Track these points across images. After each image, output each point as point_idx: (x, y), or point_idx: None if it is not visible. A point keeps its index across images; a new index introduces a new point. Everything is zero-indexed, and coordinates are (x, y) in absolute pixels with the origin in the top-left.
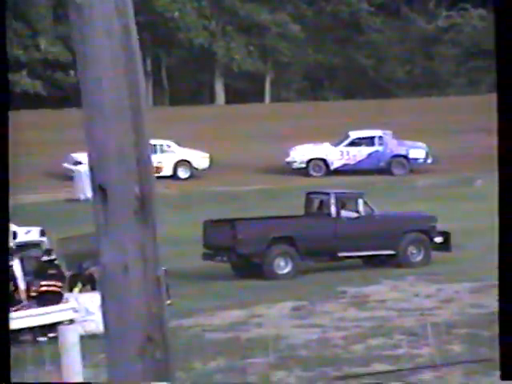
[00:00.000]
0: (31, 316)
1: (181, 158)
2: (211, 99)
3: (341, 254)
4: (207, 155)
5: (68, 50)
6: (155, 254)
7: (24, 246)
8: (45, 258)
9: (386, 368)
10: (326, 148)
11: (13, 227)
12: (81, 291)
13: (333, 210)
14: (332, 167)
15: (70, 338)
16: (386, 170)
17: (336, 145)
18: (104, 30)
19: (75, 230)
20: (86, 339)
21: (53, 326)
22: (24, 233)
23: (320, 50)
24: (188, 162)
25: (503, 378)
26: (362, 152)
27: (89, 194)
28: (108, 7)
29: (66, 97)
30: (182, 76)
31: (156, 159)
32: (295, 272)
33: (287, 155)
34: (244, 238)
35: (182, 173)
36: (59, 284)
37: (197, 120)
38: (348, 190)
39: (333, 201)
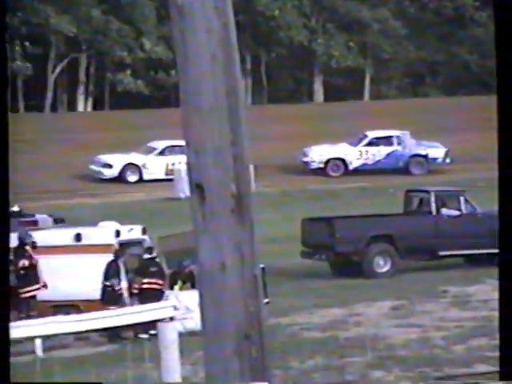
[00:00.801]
0: (132, 313)
1: None
2: (310, 97)
3: (441, 253)
4: None
5: (170, 50)
6: (252, 252)
7: (126, 244)
8: (146, 256)
9: (487, 369)
10: (345, 148)
11: (116, 225)
12: (181, 289)
13: (433, 207)
14: (351, 167)
15: (169, 335)
16: (404, 170)
17: (354, 145)
18: (204, 29)
19: (176, 229)
20: (186, 336)
21: (154, 323)
22: (126, 231)
23: (421, 46)
24: None
25: (503, 377)
26: (381, 152)
27: (189, 192)
28: (208, 7)
29: (168, 96)
30: (280, 74)
31: (184, 160)
32: (394, 271)
33: (304, 155)
34: (343, 236)
35: None
36: (160, 282)
37: (295, 118)
38: (449, 188)
39: (433, 199)
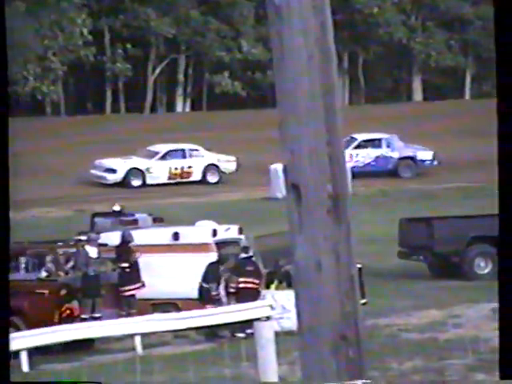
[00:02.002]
0: (229, 312)
1: (209, 163)
2: (408, 96)
3: None
4: (234, 158)
5: (268, 50)
6: (349, 252)
7: (223, 244)
8: (243, 256)
9: None
10: None
11: (213, 225)
12: (277, 288)
13: None
14: None
15: (266, 334)
16: (393, 173)
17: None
18: (300, 28)
19: (272, 228)
20: (282, 336)
21: (250, 323)
22: (223, 230)
23: None
24: (216, 166)
25: (503, 377)
26: (371, 154)
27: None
28: (305, 6)
29: (264, 97)
30: (378, 73)
31: (186, 164)
32: (495, 273)
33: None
34: (442, 236)
35: (211, 177)
36: (256, 281)
37: (393, 118)
38: None
39: None
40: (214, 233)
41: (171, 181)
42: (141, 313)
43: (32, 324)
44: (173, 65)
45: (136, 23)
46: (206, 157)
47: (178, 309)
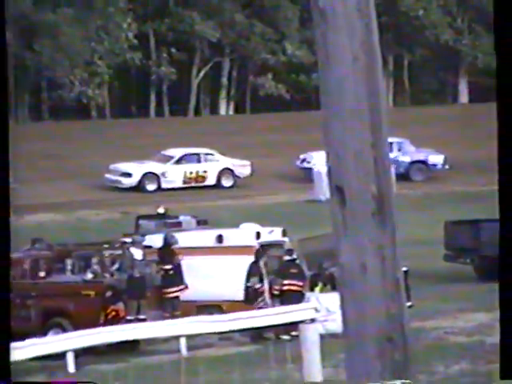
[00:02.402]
0: (273, 314)
1: (224, 167)
2: (454, 99)
3: None
4: (248, 163)
5: (312, 53)
6: (394, 254)
7: (267, 246)
8: (287, 258)
9: None
10: None
11: (256, 227)
12: (322, 291)
13: None
14: None
15: (311, 336)
16: (405, 176)
17: None
18: (346, 31)
19: (316, 231)
20: (327, 338)
21: (295, 325)
22: (267, 233)
23: None
24: (231, 170)
25: (503, 377)
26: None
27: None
28: (350, 8)
29: (308, 99)
30: (423, 75)
31: (201, 168)
32: None
33: (303, 161)
34: (488, 239)
35: (226, 181)
36: (300, 283)
37: (439, 120)
38: None
39: None
40: (258, 235)
41: (186, 185)
42: (185, 315)
43: (78, 325)
44: (217, 68)
45: (181, 27)
46: (221, 161)
47: (222, 311)
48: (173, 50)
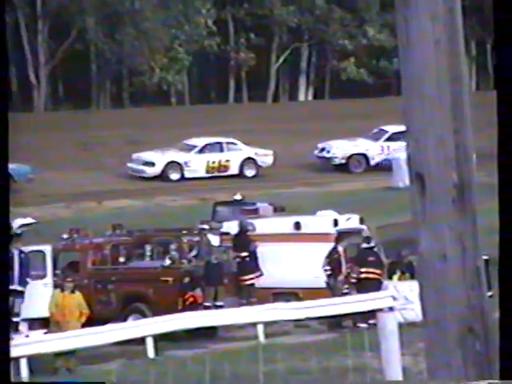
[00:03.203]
0: (351, 302)
1: (247, 156)
2: None
3: None
4: (271, 152)
5: (393, 37)
6: (475, 242)
7: (344, 234)
8: (364, 246)
9: None
10: (366, 143)
11: (334, 215)
12: (400, 279)
13: None
14: (372, 162)
15: (389, 325)
16: None
17: (374, 139)
18: (428, 13)
19: (394, 218)
20: (406, 327)
21: (372, 313)
22: (344, 220)
23: None
24: (253, 159)
25: (503, 377)
26: (403, 147)
27: (408, 181)
28: None
29: (388, 84)
30: None
31: (224, 157)
32: None
33: (323, 150)
34: None
35: (249, 171)
36: (378, 271)
37: None
38: None
39: None
40: (335, 223)
41: (209, 174)
42: (262, 302)
43: (157, 311)
44: (296, 53)
45: (260, 12)
46: (244, 150)
47: (298, 298)
48: (251, 36)
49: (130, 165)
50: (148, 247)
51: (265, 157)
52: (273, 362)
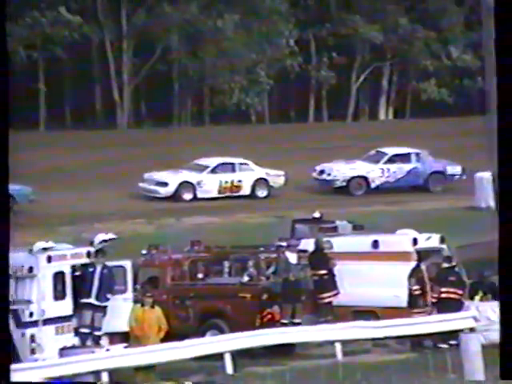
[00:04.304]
0: (431, 322)
1: (259, 177)
2: None
3: None
4: (282, 173)
5: (478, 58)
6: None
7: (424, 253)
8: (445, 265)
9: None
10: (366, 166)
11: (414, 233)
12: (482, 299)
13: None
14: (373, 185)
15: (472, 346)
16: (423, 187)
17: (374, 162)
18: None
19: (475, 238)
20: (489, 349)
21: (453, 334)
22: (424, 239)
23: None
24: (265, 180)
25: (503, 377)
26: (403, 169)
27: (491, 202)
28: None
29: (470, 104)
30: None
31: (236, 178)
32: None
33: (322, 173)
34: None
35: (260, 192)
36: (459, 292)
37: None
38: None
39: None
40: (415, 241)
41: (221, 195)
42: (341, 320)
43: (234, 327)
44: (377, 72)
45: (343, 31)
46: (256, 171)
47: (377, 317)
48: (333, 55)
49: (141, 185)
50: (226, 264)
51: (276, 177)
52: (352, 381)
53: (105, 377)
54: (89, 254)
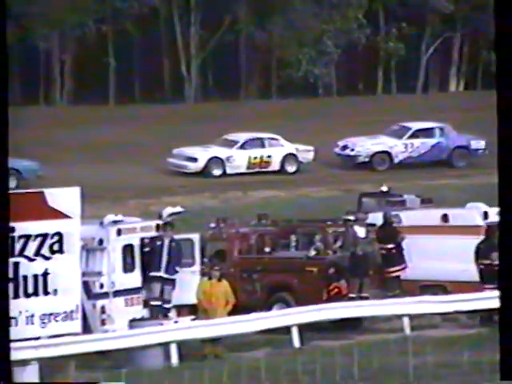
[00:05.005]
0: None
1: (288, 152)
2: None
3: None
4: (312, 148)
5: None
6: None
7: (494, 227)
8: None
9: None
10: (390, 140)
11: (484, 207)
12: None
13: None
14: (396, 160)
15: None
16: (446, 162)
17: (397, 137)
18: None
19: None
20: None
21: None
22: (495, 213)
23: None
24: (295, 155)
25: (503, 377)
26: (427, 144)
27: None
28: None
29: None
30: None
31: (265, 153)
32: None
33: (345, 148)
34: None
35: (290, 167)
36: None
37: None
38: None
39: None
40: (485, 215)
41: (250, 170)
42: (409, 294)
43: (301, 300)
44: (447, 43)
45: (413, 1)
46: (285, 146)
47: (446, 291)
48: (403, 25)
49: (171, 160)
50: (293, 237)
51: (306, 152)
52: (421, 355)
53: (173, 349)
54: (158, 227)
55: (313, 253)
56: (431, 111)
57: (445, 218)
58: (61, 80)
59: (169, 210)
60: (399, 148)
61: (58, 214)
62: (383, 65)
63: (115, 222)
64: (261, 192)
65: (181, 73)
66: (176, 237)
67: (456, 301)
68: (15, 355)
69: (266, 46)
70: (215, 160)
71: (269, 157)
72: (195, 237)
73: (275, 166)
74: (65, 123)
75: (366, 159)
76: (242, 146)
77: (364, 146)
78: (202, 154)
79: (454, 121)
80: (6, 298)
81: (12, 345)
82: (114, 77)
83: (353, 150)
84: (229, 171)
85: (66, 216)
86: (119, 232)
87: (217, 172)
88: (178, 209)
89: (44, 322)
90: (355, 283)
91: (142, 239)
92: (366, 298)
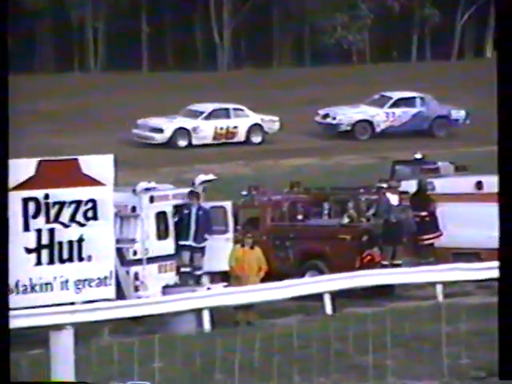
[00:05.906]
0: None
1: (254, 123)
2: None
3: None
4: (277, 118)
5: None
6: None
7: None
8: None
9: None
10: (372, 109)
11: None
12: None
13: None
14: (378, 129)
15: None
16: (427, 132)
17: (379, 106)
18: None
19: None
20: None
21: None
22: None
23: None
24: (260, 125)
25: (502, 377)
26: (408, 113)
27: None
28: None
29: None
30: None
31: (232, 124)
32: None
33: (327, 117)
34: None
35: (255, 137)
36: None
37: None
38: None
39: None
40: None
41: (216, 141)
42: (442, 261)
43: (334, 268)
44: (483, 9)
45: None
46: (251, 117)
47: (480, 259)
48: None
49: (135, 131)
50: (326, 205)
51: (271, 123)
52: (453, 323)
53: (205, 315)
54: (190, 195)
55: (346, 220)
56: (468, 77)
57: (479, 185)
58: (94, 47)
59: (201, 177)
60: (381, 117)
61: (91, 181)
62: (417, 31)
63: (148, 190)
64: (293, 160)
65: (213, 40)
66: (208, 204)
67: (489, 268)
68: (51, 319)
69: (298, 12)
70: (181, 131)
71: (235, 127)
72: (228, 204)
73: (241, 136)
74: (99, 89)
75: (348, 128)
76: (208, 117)
77: (346, 114)
78: (168, 125)
79: (491, 87)
80: (6, 296)
81: (47, 309)
82: (146, 44)
83: (334, 118)
84: (195, 142)
85: (99, 183)
86: (152, 199)
87: (182, 143)
88: (211, 176)
89: (78, 288)
90: (388, 251)
91: (176, 206)
92: (399, 266)
